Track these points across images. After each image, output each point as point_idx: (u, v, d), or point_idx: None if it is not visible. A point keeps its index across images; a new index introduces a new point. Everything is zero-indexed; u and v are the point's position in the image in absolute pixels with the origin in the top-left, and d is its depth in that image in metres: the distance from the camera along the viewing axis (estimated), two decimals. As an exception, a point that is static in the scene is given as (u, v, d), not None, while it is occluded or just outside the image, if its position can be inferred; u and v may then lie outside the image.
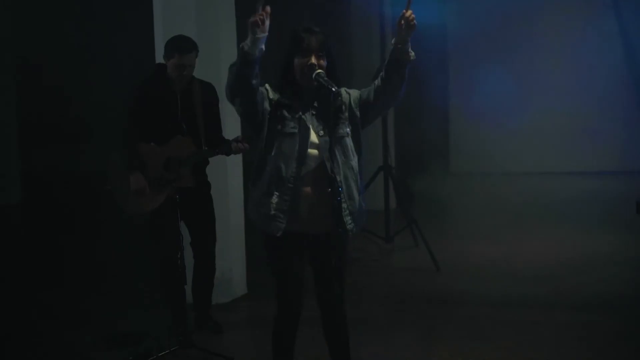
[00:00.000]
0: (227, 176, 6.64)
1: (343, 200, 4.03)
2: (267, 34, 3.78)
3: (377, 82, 4.07)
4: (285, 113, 4.01)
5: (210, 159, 5.90)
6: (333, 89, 3.84)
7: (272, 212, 4.00)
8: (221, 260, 6.15)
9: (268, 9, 3.75)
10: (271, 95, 4.05)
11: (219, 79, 6.48)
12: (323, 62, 4.00)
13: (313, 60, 3.96)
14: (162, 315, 5.97)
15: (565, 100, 12.83)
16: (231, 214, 6.68)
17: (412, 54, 3.96)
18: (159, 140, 5.55)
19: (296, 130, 3.99)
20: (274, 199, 3.99)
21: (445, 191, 11.69)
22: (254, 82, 3.86)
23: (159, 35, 6.40)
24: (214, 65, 6.45)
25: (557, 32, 12.90)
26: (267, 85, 4.07)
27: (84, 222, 9.93)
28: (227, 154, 5.68)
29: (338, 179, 4.02)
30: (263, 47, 3.80)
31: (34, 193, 11.15)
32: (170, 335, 5.71)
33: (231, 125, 6.33)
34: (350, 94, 4.15)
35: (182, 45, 5.57)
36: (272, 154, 4.00)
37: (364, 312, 6.15)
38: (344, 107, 4.10)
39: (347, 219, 4.06)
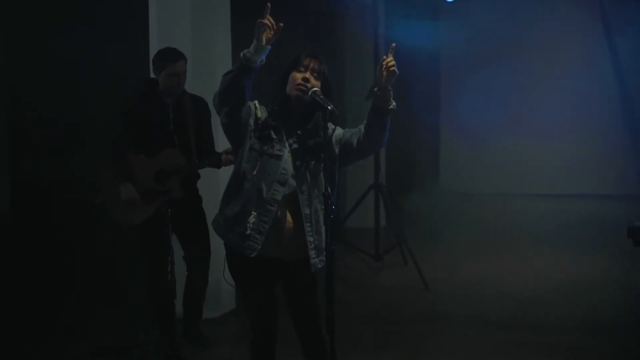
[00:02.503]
0: (219, 190, 6.61)
1: (309, 234, 4.01)
2: (270, 47, 3.77)
3: (362, 128, 4.03)
4: (272, 134, 3.98)
5: (202, 173, 5.90)
6: (329, 107, 3.82)
7: (248, 231, 3.95)
8: (210, 274, 6.14)
9: (281, 25, 3.75)
10: (259, 113, 4.02)
11: (213, 88, 6.51)
12: (317, 83, 3.98)
13: (308, 76, 3.97)
14: (150, 328, 5.96)
15: (557, 122, 12.88)
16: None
17: (394, 103, 3.93)
18: (150, 152, 5.56)
19: (282, 153, 3.97)
20: (252, 219, 3.95)
21: (436, 210, 11.70)
22: (246, 93, 3.85)
23: (154, 45, 6.41)
24: (208, 75, 6.47)
25: (550, 53, 12.97)
26: (255, 102, 4.06)
27: (73, 232, 9.87)
28: (218, 167, 5.68)
29: (307, 211, 4.00)
30: (264, 58, 3.79)
31: (22, 202, 11.09)
32: (157, 348, 5.70)
33: (222, 133, 6.33)
34: (334, 130, 4.11)
35: (171, 54, 5.60)
36: (254, 172, 3.96)
37: (351, 329, 6.14)
38: (327, 140, 3.99)
39: (312, 252, 4.02)
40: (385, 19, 10.13)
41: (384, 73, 3.85)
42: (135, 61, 6.56)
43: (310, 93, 3.92)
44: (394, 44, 3.91)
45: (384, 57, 3.86)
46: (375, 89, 3.92)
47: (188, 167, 5.59)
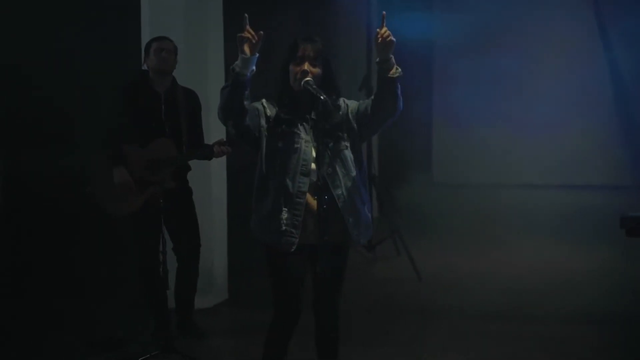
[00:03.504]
0: (210, 182, 6.64)
1: (347, 213, 4.05)
2: (257, 55, 3.80)
3: (373, 96, 4.05)
4: (285, 128, 4.02)
5: (193, 166, 5.89)
6: (321, 97, 3.83)
7: (284, 227, 4.00)
8: (203, 265, 6.13)
9: (261, 33, 3.77)
10: (268, 112, 4.05)
11: (206, 83, 6.51)
12: (317, 70, 4.00)
13: (306, 67, 3.96)
14: (144, 320, 5.94)
15: (551, 113, 12.85)
16: (214, 220, 6.68)
17: (399, 70, 3.93)
18: (142, 142, 5.55)
19: (298, 145, 4.01)
20: (284, 215, 3.99)
21: (428, 202, 11.68)
22: (245, 103, 3.87)
23: (147, 38, 6.38)
24: (201, 71, 6.47)
25: (544, 44, 12.94)
26: (263, 101, 4.09)
27: (66, 224, 9.84)
28: (209, 158, 5.67)
29: (339, 192, 4.03)
30: (254, 67, 3.82)
31: (14, 195, 11.06)
32: (152, 340, 5.69)
33: (216, 129, 6.32)
34: (348, 105, 4.15)
35: (156, 37, 5.70)
36: (276, 171, 4.01)
37: (344, 321, 6.10)
38: (342, 118, 4.10)
39: (353, 231, 4.09)
40: (378, 9, 10.08)
41: (382, 44, 3.86)
42: (128, 56, 6.54)
43: (302, 84, 3.93)
44: (384, 12, 3.91)
45: (377, 29, 3.86)
46: (377, 60, 3.92)
47: (180, 157, 5.58)
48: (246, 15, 3.74)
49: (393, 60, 3.91)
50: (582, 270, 7.89)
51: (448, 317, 6.50)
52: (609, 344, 5.82)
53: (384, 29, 3.86)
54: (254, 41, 3.77)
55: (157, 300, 5.62)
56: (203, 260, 6.08)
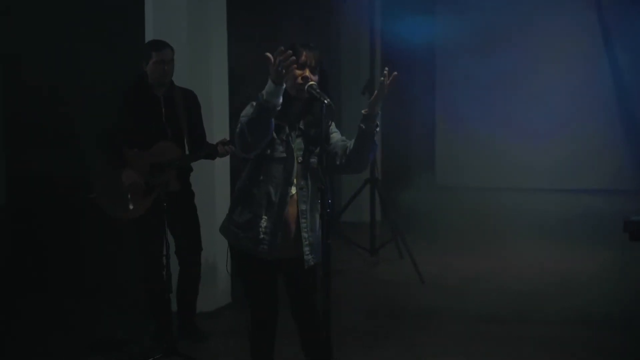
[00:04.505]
0: (214, 185, 6.64)
1: (304, 230, 4.04)
2: (284, 85, 3.72)
3: (349, 144, 4.00)
4: (274, 135, 3.95)
5: (196, 169, 5.90)
6: (325, 101, 3.81)
7: (261, 235, 3.99)
8: (206, 269, 6.15)
9: (293, 59, 3.63)
10: None
11: (209, 84, 6.52)
12: (316, 78, 3.97)
13: (307, 73, 3.96)
14: (146, 322, 5.96)
15: (554, 116, 12.85)
16: (217, 222, 6.63)
17: (377, 123, 3.91)
18: (143, 146, 5.55)
19: (285, 155, 3.97)
20: (263, 223, 3.98)
21: (431, 204, 11.70)
22: (272, 127, 3.80)
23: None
24: (205, 72, 6.49)
25: (547, 48, 12.94)
26: (254, 104, 3.98)
27: (70, 226, 9.87)
28: (213, 158, 5.68)
29: (304, 207, 4.03)
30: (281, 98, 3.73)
31: (19, 195, 11.09)
32: (154, 342, 5.71)
33: (219, 129, 6.34)
34: (334, 134, 4.11)
35: (157, 43, 5.67)
36: (261, 178, 3.98)
37: (347, 324, 6.14)
38: (328, 134, 4.06)
39: (306, 249, 4.05)
40: (381, 12, 10.10)
41: (380, 95, 3.86)
42: (131, 58, 6.56)
43: (306, 87, 3.92)
44: (387, 68, 3.86)
45: (382, 79, 3.83)
46: (366, 112, 3.90)
47: (183, 159, 5.59)
48: (282, 48, 3.64)
49: (379, 114, 3.91)
50: (584, 273, 7.90)
51: (450, 319, 6.50)
52: (610, 346, 5.82)
53: (389, 79, 3.83)
54: (290, 69, 3.67)
55: (159, 302, 5.63)
56: (205, 263, 6.10)
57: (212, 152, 5.58)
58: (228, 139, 5.57)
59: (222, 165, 6.58)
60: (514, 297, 7.07)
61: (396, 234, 8.25)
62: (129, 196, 5.50)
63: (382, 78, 3.83)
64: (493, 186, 12.79)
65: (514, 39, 12.97)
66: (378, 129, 3.94)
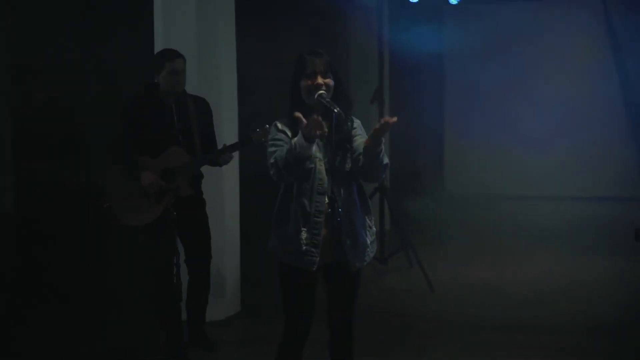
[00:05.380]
0: (223, 194, 6.64)
1: (344, 234, 4.06)
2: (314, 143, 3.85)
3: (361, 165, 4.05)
4: None
5: (206, 176, 5.90)
6: (335, 110, 3.83)
7: (304, 247, 4.02)
8: (215, 277, 6.15)
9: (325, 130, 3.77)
10: (289, 134, 4.02)
11: (218, 88, 6.54)
12: (330, 82, 4.01)
13: (319, 80, 3.97)
14: (156, 331, 5.96)
15: (563, 124, 12.86)
16: (227, 231, 6.68)
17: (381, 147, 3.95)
18: (154, 153, 5.56)
19: (313, 165, 4.00)
20: (304, 235, 4.01)
21: (440, 213, 11.69)
22: (310, 163, 3.93)
23: (159, 48, 6.40)
24: (213, 77, 6.51)
25: (555, 57, 12.96)
26: (279, 125, 4.05)
27: (79, 234, 9.90)
28: (218, 165, 5.68)
29: (341, 213, 4.05)
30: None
31: (28, 204, 11.13)
32: (164, 351, 5.70)
33: (228, 135, 6.35)
34: (357, 129, 4.13)
35: (169, 53, 5.66)
36: (294, 192, 4.02)
37: (356, 332, 6.11)
38: (349, 133, 4.10)
39: (349, 253, 4.08)
40: (389, 21, 10.11)
41: (379, 134, 3.87)
42: (141, 64, 6.58)
43: (316, 97, 3.94)
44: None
45: (383, 120, 3.84)
46: (368, 149, 3.93)
47: (192, 163, 5.59)
48: (318, 117, 3.74)
49: (382, 147, 3.95)
50: (594, 281, 7.86)
51: (460, 327, 6.49)
52: (620, 354, 5.81)
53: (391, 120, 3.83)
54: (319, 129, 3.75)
55: (169, 311, 5.63)
56: (215, 271, 6.10)
57: (214, 159, 5.60)
58: (231, 144, 5.54)
59: (231, 173, 6.59)
60: (522, 306, 7.04)
61: (405, 243, 8.24)
62: (147, 199, 5.50)
63: (382, 123, 3.84)
64: (502, 194, 12.78)
65: (522, 47, 12.99)
66: (382, 153, 3.97)
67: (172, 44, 6.01)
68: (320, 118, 3.75)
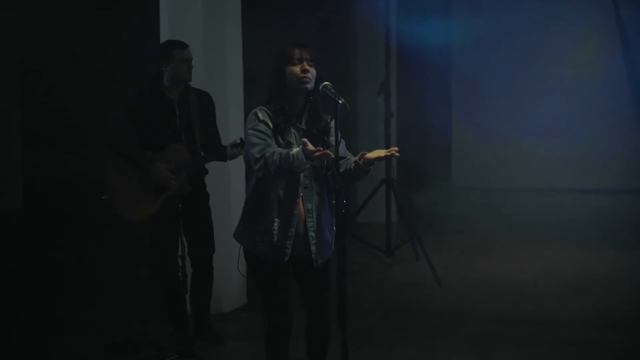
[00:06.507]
0: (229, 186, 6.64)
1: (311, 229, 4.06)
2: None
3: (351, 161, 4.03)
4: (280, 139, 3.99)
5: (212, 170, 5.90)
6: (340, 101, 3.82)
7: (275, 238, 4.01)
8: (221, 270, 6.14)
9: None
10: (270, 124, 3.99)
11: (223, 84, 6.53)
12: (314, 71, 4.00)
13: (306, 66, 3.96)
14: (163, 324, 5.96)
15: (571, 117, 12.81)
16: (232, 224, 6.63)
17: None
18: (156, 148, 5.55)
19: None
20: (276, 226, 4.01)
21: (447, 206, 11.67)
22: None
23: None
24: (219, 71, 6.51)
25: (561, 50, 12.90)
26: (259, 115, 4.00)
27: (86, 229, 9.92)
28: (224, 160, 5.66)
29: (309, 207, 4.05)
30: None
31: (35, 198, 11.16)
32: (170, 344, 5.71)
33: (234, 130, 6.34)
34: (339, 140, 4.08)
35: (178, 42, 5.67)
36: (269, 181, 3.99)
37: (363, 325, 6.12)
38: (329, 130, 4.10)
39: (313, 248, 4.08)
40: (396, 12, 10.08)
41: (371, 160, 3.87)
42: (147, 59, 6.58)
43: (321, 87, 3.93)
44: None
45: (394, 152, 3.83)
46: (361, 166, 3.93)
47: (193, 162, 5.58)
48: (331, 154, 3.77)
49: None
50: (604, 274, 7.84)
51: (466, 321, 6.48)
52: (628, 348, 5.79)
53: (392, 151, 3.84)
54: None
55: (175, 304, 5.64)
56: (221, 265, 6.09)
57: (222, 155, 5.58)
58: (238, 141, 5.50)
59: (237, 167, 6.58)
60: (530, 299, 7.03)
61: (412, 236, 8.23)
62: (145, 194, 5.49)
63: (388, 155, 3.84)
64: (509, 187, 12.75)
65: (531, 39, 12.93)
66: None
67: (178, 37, 5.99)
68: (332, 154, 3.77)
